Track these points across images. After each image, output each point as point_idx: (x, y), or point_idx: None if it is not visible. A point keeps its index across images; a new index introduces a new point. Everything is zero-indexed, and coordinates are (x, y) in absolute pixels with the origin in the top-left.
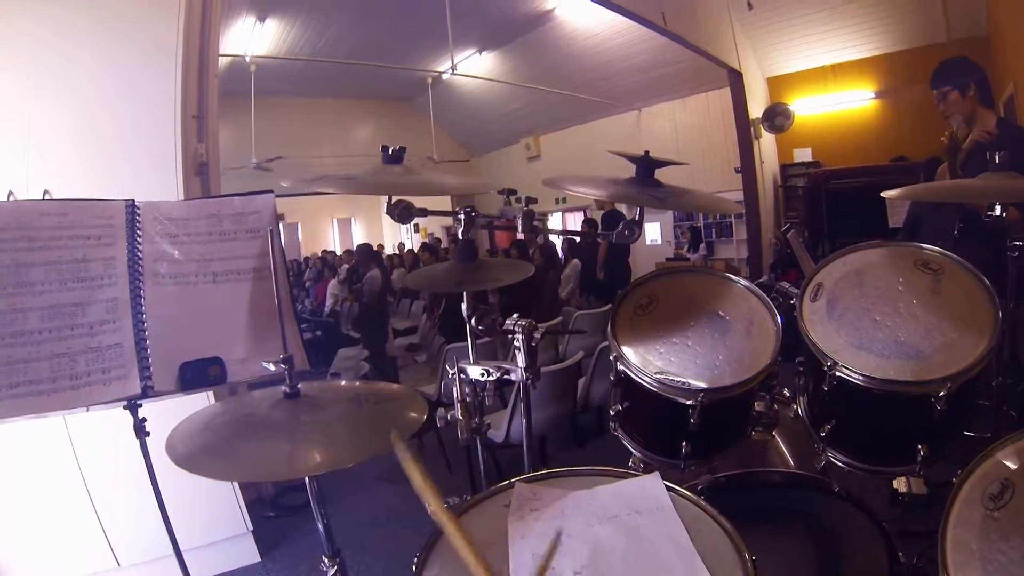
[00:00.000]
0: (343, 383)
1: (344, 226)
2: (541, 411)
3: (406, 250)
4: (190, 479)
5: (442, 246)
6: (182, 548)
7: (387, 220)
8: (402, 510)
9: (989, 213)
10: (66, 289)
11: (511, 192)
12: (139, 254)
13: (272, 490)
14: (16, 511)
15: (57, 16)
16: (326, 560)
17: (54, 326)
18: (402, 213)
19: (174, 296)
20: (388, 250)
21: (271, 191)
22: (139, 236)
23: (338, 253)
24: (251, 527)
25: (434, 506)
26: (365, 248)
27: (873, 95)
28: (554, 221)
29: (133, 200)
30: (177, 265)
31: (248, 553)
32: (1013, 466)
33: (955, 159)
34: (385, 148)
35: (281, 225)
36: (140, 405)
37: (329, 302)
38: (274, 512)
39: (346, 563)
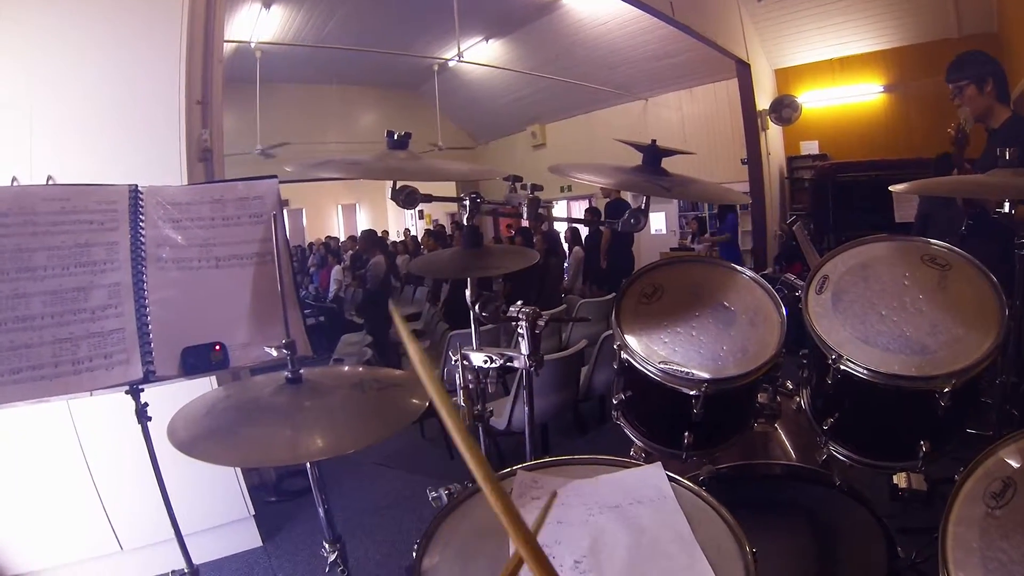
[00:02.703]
0: (346, 368)
1: (348, 212)
2: (543, 399)
3: (410, 236)
4: (193, 464)
5: (447, 232)
6: (184, 532)
7: (391, 206)
8: (403, 496)
9: (998, 210)
10: (68, 274)
11: (517, 179)
12: (142, 239)
13: (274, 475)
14: (20, 494)
15: (60, 3)
16: (327, 545)
17: (56, 311)
18: (407, 198)
19: (176, 281)
20: (392, 236)
21: (275, 176)
22: (142, 221)
23: (342, 239)
24: (253, 512)
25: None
26: (369, 234)
27: (882, 89)
28: (559, 209)
29: (136, 185)
30: (180, 250)
31: (250, 537)
32: (1016, 464)
33: (962, 152)
34: (391, 133)
35: (286, 211)
36: (142, 390)
37: (333, 288)
38: (276, 497)
39: (346, 548)
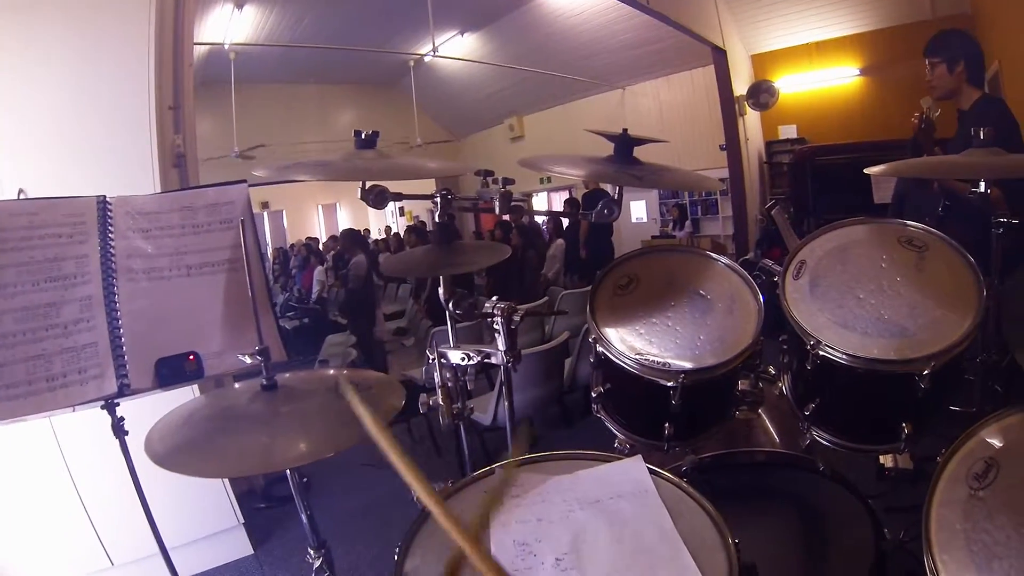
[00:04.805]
0: (330, 371)
1: (329, 212)
2: (528, 392)
3: (392, 234)
4: (178, 475)
5: (428, 229)
6: (174, 544)
7: None
8: (391, 497)
9: (973, 190)
10: (39, 290)
11: (488, 173)
12: (111, 250)
13: (263, 481)
14: (6, 514)
15: (25, 10)
16: (311, 552)
17: (28, 328)
18: (377, 198)
19: (148, 291)
20: (374, 234)
21: (244, 181)
22: (111, 232)
23: (323, 239)
24: (242, 520)
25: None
26: (350, 233)
27: (858, 72)
28: (539, 201)
29: (104, 196)
30: (150, 260)
31: (240, 546)
32: (998, 444)
33: (928, 141)
34: (358, 133)
35: (266, 213)
36: (118, 404)
37: (316, 289)
38: (265, 503)
39: (333, 553)
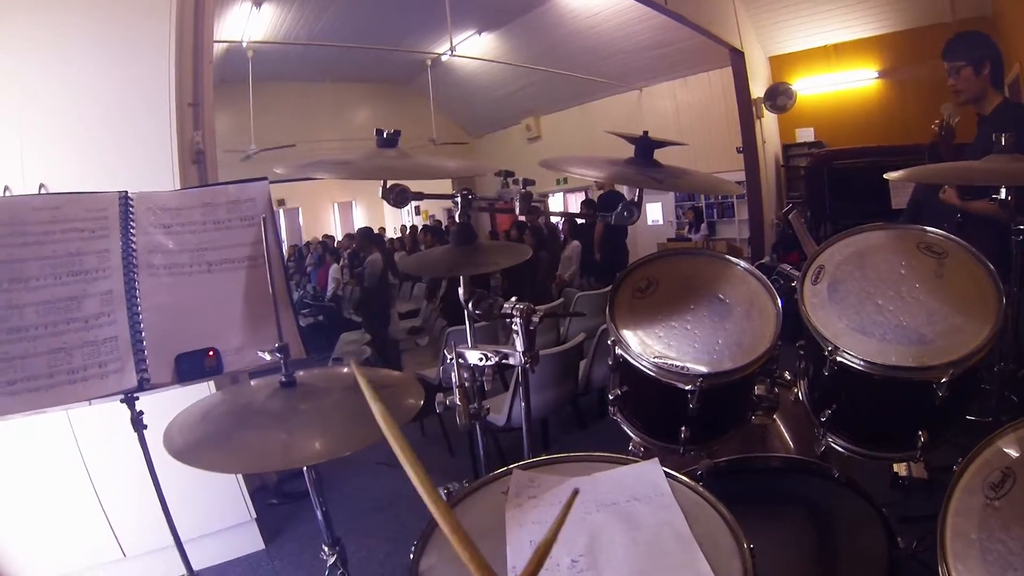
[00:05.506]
0: (345, 370)
1: (345, 210)
2: (542, 394)
3: (407, 233)
4: (193, 469)
5: (443, 227)
6: (186, 538)
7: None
8: (405, 494)
9: (994, 196)
10: (61, 283)
11: (508, 174)
12: (133, 246)
13: (276, 477)
14: (21, 504)
15: (49, 7)
16: (326, 548)
17: (50, 321)
18: (398, 197)
19: (169, 287)
20: (390, 233)
21: (265, 178)
22: (133, 227)
23: (339, 237)
24: (255, 515)
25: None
26: (365, 232)
27: (877, 75)
28: (555, 202)
29: (126, 191)
30: (171, 256)
31: (252, 541)
32: (1014, 454)
33: (949, 149)
34: (380, 132)
35: (282, 210)
36: (137, 398)
37: (331, 287)
38: (278, 499)
39: (347, 550)
